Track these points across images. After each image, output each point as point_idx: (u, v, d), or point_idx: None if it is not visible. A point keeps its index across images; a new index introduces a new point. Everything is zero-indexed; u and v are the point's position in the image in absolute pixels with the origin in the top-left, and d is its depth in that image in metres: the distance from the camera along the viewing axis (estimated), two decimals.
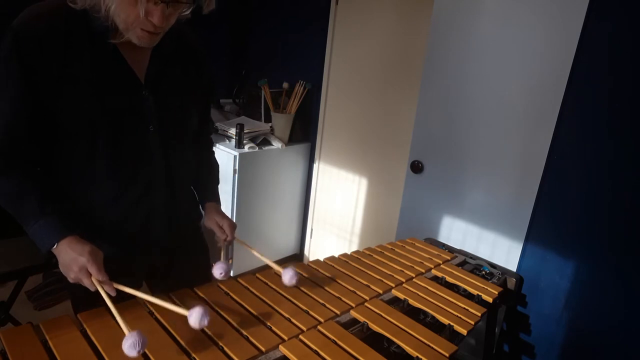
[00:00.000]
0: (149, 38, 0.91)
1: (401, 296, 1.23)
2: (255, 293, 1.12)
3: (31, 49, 0.87)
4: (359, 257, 1.46)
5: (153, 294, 0.96)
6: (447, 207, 2.04)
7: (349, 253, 1.48)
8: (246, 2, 2.99)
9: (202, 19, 0.98)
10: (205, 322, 0.86)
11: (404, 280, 1.33)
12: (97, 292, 0.90)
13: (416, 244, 1.67)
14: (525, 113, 1.75)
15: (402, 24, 2.36)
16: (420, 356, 0.97)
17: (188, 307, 0.88)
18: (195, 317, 0.86)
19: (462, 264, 1.63)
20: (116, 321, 0.85)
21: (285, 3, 2.81)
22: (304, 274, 1.25)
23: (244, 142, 2.51)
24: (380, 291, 1.23)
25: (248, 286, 1.14)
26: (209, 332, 0.92)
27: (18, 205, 0.95)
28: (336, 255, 1.43)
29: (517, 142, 1.79)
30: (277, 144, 2.66)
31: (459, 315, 1.17)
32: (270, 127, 2.70)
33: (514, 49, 1.75)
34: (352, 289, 1.21)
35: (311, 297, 1.14)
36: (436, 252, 1.62)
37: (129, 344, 0.77)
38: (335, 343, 0.95)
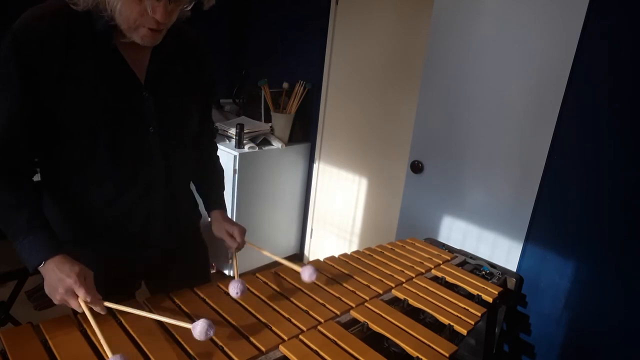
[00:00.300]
0: (152, 36, 0.91)
1: (401, 296, 1.23)
2: (256, 293, 1.12)
3: (32, 49, 0.87)
4: (359, 257, 1.46)
5: (152, 294, 0.96)
6: (447, 207, 2.04)
7: (349, 253, 1.48)
8: None
9: (201, 14, 0.98)
10: (211, 334, 0.84)
11: (404, 280, 1.33)
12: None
13: (416, 244, 1.66)
14: (525, 113, 1.75)
15: (402, 24, 2.36)
16: (420, 356, 0.97)
17: (190, 310, 0.87)
18: (199, 330, 0.83)
19: (462, 264, 1.63)
20: (100, 344, 0.81)
21: (286, 2, 2.81)
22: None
23: (244, 142, 2.51)
24: (380, 291, 1.23)
25: (248, 286, 1.14)
26: None
27: (5, 219, 0.91)
28: (336, 255, 1.43)
29: (517, 142, 1.79)
30: (277, 144, 2.66)
31: (459, 315, 1.17)
32: (270, 127, 2.70)
33: (514, 49, 1.74)
34: (352, 289, 1.21)
35: (311, 297, 1.14)
36: (436, 252, 1.62)
37: None
38: (335, 343, 0.95)
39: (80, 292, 0.85)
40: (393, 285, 1.28)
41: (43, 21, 0.89)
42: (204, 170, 1.30)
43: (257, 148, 2.57)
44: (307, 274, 1.12)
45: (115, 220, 1.06)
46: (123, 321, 0.91)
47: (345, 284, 1.23)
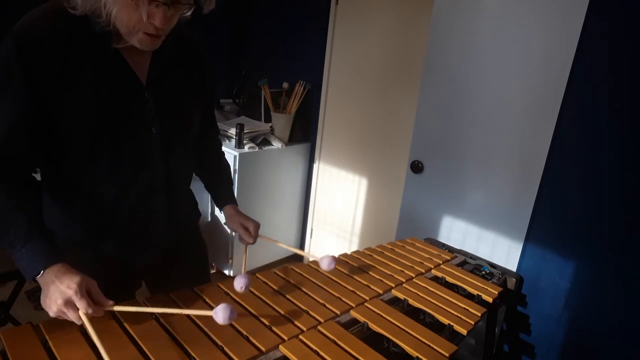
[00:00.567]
0: (151, 41, 0.91)
1: (401, 296, 1.23)
2: (256, 293, 1.12)
3: (32, 50, 0.87)
4: (359, 257, 1.46)
5: (152, 294, 0.96)
6: (447, 207, 2.04)
7: (349, 253, 1.48)
8: (246, 0, 2.99)
9: (201, 17, 0.98)
10: (234, 316, 0.88)
11: (404, 280, 1.33)
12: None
13: (416, 244, 1.66)
14: (525, 113, 1.75)
15: (402, 24, 2.36)
16: (420, 356, 0.97)
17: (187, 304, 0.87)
18: (222, 314, 0.87)
19: (462, 264, 1.63)
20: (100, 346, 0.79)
21: (285, 3, 2.81)
22: (303, 274, 1.25)
23: (244, 142, 2.51)
24: (380, 291, 1.23)
25: None
26: (209, 332, 0.92)
27: (2, 225, 0.88)
28: (336, 255, 1.43)
29: (517, 142, 1.79)
30: (277, 144, 2.66)
31: (459, 315, 1.17)
32: (270, 127, 2.70)
33: (514, 49, 1.74)
34: (352, 289, 1.21)
35: (311, 297, 1.14)
36: (436, 252, 1.62)
37: None
38: (335, 343, 0.95)
39: (81, 305, 0.81)
40: (393, 285, 1.28)
41: (44, 22, 0.89)
42: (211, 167, 1.33)
43: (257, 148, 2.57)
44: (326, 263, 1.17)
45: (116, 221, 1.06)
46: (123, 322, 0.91)
47: (345, 284, 1.23)
